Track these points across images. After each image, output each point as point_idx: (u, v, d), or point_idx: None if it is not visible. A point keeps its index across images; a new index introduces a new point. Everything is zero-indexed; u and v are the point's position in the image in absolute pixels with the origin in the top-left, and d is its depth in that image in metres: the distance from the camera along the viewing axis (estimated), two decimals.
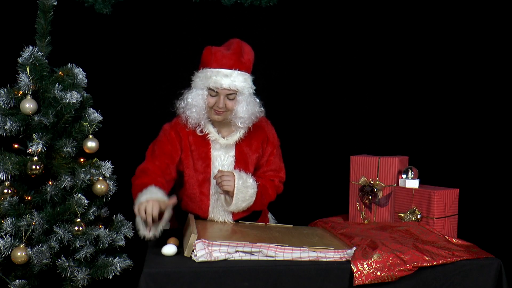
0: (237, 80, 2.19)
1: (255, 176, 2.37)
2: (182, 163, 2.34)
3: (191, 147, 2.32)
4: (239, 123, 2.25)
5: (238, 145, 2.34)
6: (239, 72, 2.21)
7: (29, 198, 2.14)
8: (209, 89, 2.21)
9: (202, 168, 2.32)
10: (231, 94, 2.21)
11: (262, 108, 2.32)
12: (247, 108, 2.23)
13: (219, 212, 2.36)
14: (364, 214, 2.43)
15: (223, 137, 2.32)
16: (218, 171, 2.27)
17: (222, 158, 2.32)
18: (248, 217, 2.44)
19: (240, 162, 2.34)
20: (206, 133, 2.31)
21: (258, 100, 2.30)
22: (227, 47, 2.27)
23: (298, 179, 3.60)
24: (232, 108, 2.23)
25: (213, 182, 2.32)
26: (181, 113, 2.28)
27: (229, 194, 2.26)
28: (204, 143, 2.32)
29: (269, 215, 2.66)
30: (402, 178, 2.37)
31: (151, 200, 1.95)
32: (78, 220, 2.10)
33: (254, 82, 2.37)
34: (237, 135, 2.32)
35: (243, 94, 2.22)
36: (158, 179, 2.17)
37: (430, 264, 1.94)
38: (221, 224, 2.31)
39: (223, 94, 2.20)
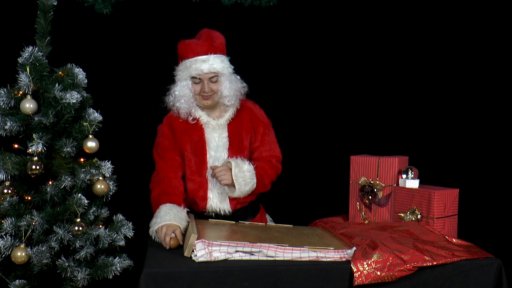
0: (215, 63, 2.35)
1: (252, 159, 2.48)
2: (181, 149, 2.44)
3: (188, 131, 2.44)
4: (226, 102, 2.40)
5: (230, 126, 2.45)
6: (215, 55, 2.37)
7: (29, 198, 2.13)
8: (192, 77, 2.37)
9: (198, 150, 2.42)
10: (213, 77, 2.36)
11: (245, 84, 2.46)
12: (230, 86, 2.39)
13: (217, 196, 2.42)
14: (364, 214, 2.43)
15: (214, 119, 2.45)
16: (211, 167, 2.38)
17: (216, 140, 2.43)
18: (246, 208, 2.49)
19: (234, 142, 2.44)
20: (197, 118, 2.44)
21: (239, 77, 2.45)
22: (198, 38, 2.43)
23: (299, 179, 3.60)
24: (217, 90, 2.38)
25: (209, 163, 2.41)
26: (172, 106, 2.42)
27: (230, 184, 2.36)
28: (197, 127, 2.44)
29: (267, 216, 2.67)
30: (402, 178, 2.37)
31: (165, 225, 2.12)
32: (78, 220, 2.10)
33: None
34: (226, 115, 2.45)
35: (223, 74, 2.38)
36: (172, 186, 2.34)
37: (430, 264, 1.94)
38: (221, 224, 2.31)
39: (206, 78, 2.36)
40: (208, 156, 2.41)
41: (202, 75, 2.35)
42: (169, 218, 2.14)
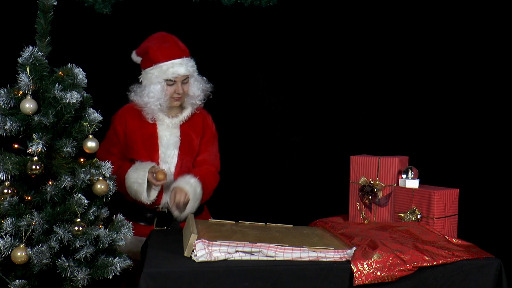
0: (189, 65, 2.54)
1: (195, 161, 2.62)
2: (132, 143, 2.55)
3: (142, 128, 2.56)
4: (197, 101, 2.58)
5: (183, 127, 2.58)
6: (187, 58, 2.55)
7: (29, 198, 2.13)
8: (167, 80, 2.47)
9: (150, 146, 2.54)
10: (185, 79, 2.51)
11: (210, 83, 2.61)
12: (199, 87, 2.58)
13: (166, 191, 2.54)
14: (364, 214, 2.43)
15: (169, 117, 2.57)
16: (172, 201, 2.46)
17: (168, 138, 2.55)
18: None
19: (185, 142, 2.57)
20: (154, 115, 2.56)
21: (204, 78, 2.60)
22: (162, 41, 2.53)
23: (299, 179, 3.60)
24: (187, 91, 2.54)
25: (160, 158, 2.54)
26: (144, 107, 2.52)
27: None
28: (152, 123, 2.57)
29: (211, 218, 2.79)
30: (402, 178, 2.37)
31: (146, 176, 2.44)
32: (78, 220, 2.09)
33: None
34: (181, 116, 2.57)
35: (193, 76, 2.53)
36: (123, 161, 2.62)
37: (430, 264, 1.94)
38: (221, 224, 2.31)
39: (180, 81, 2.48)
40: (160, 151, 2.54)
41: (178, 78, 2.47)
42: (141, 168, 2.45)
